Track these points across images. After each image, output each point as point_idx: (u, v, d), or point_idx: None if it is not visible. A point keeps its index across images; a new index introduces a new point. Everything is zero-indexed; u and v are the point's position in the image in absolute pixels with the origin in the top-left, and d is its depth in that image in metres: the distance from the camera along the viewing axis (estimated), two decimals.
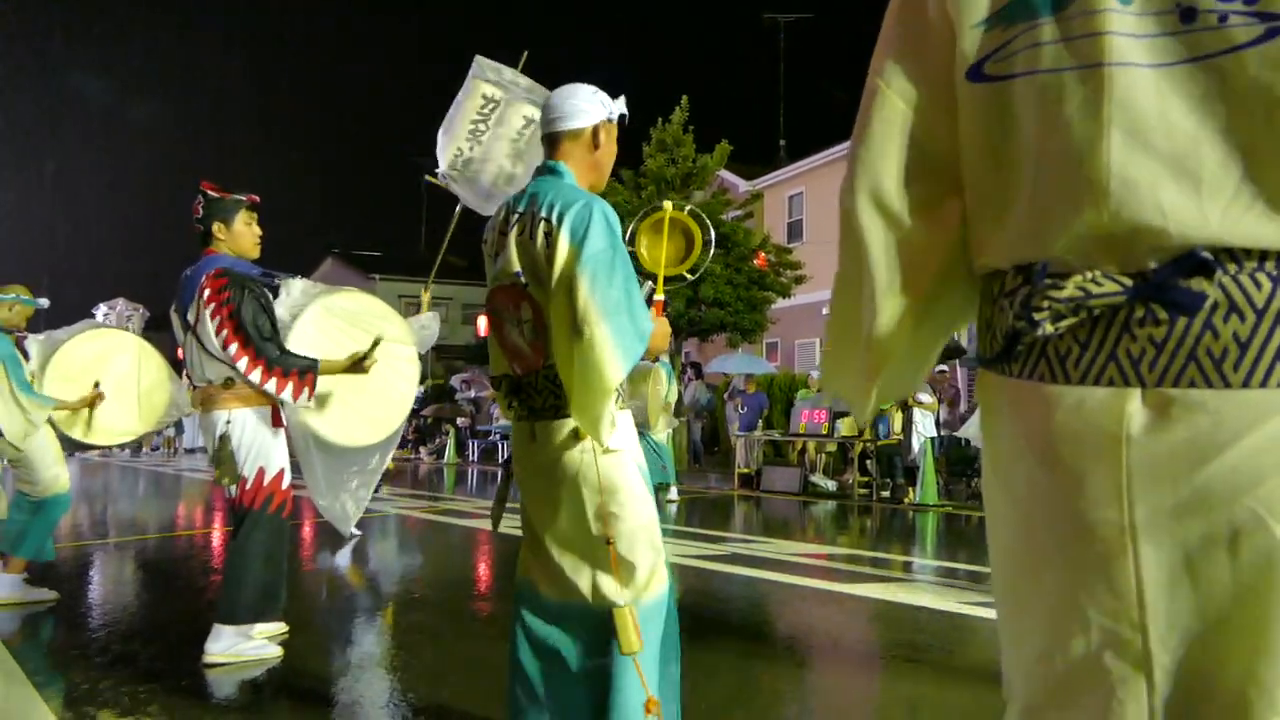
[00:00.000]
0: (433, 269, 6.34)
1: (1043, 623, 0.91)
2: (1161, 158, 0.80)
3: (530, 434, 2.40)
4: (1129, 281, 0.82)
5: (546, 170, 2.45)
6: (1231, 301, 0.79)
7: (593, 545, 2.34)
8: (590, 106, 2.45)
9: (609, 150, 2.52)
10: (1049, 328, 0.85)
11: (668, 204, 3.28)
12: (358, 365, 3.85)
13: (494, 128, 5.77)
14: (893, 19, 1.03)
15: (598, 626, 2.33)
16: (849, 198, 1.06)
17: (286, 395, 3.68)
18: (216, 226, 3.81)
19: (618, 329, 2.17)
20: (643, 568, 2.34)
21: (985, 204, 0.96)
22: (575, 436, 2.31)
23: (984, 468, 1.03)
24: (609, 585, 2.33)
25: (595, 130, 2.46)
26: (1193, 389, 0.80)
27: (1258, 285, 0.79)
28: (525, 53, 5.91)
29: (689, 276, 3.37)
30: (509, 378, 2.46)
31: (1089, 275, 0.83)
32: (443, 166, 5.79)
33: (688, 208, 3.33)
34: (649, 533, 2.37)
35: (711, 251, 3.30)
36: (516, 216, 2.37)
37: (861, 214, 1.04)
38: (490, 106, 5.79)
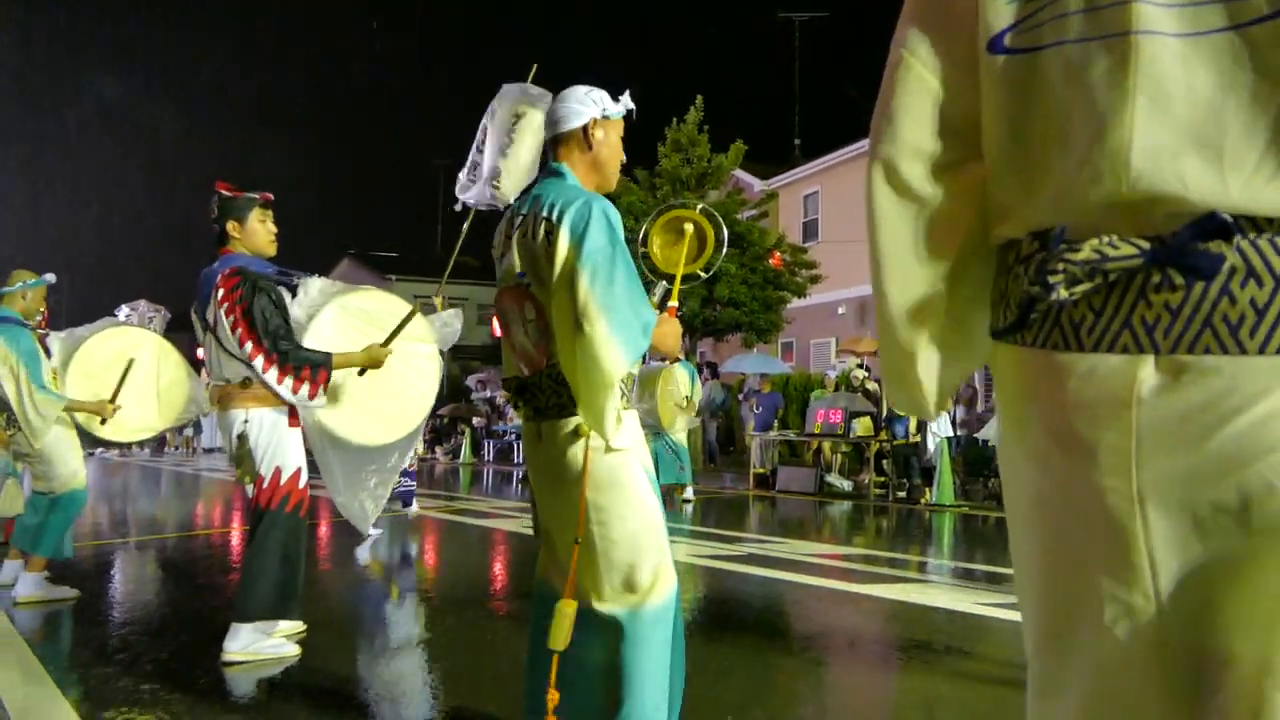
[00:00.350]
0: (445, 271, 6.44)
1: (1059, 593, 0.91)
2: (1184, 127, 0.79)
3: (537, 434, 2.41)
4: (1146, 245, 0.81)
5: (550, 173, 2.48)
6: (1250, 267, 0.78)
7: (592, 544, 2.33)
8: (581, 107, 2.46)
9: (608, 148, 2.51)
10: (1063, 292, 0.84)
11: (679, 208, 3.28)
12: (375, 359, 3.87)
13: (492, 133, 6.03)
14: None
15: (604, 626, 2.32)
16: (867, 169, 1.04)
17: (300, 396, 3.70)
18: (231, 225, 3.83)
19: (618, 323, 2.18)
20: (645, 571, 2.32)
21: (1005, 174, 0.94)
22: (577, 434, 2.31)
23: (999, 442, 1.02)
24: (599, 583, 2.32)
25: (585, 130, 2.46)
26: (1207, 355, 0.79)
27: (1278, 252, 0.78)
28: (535, 65, 6.08)
29: (703, 275, 3.36)
30: (518, 378, 2.46)
31: (1106, 239, 0.82)
32: (489, 196, 5.99)
33: (700, 206, 3.33)
34: (653, 535, 2.36)
35: (725, 249, 3.28)
36: (520, 218, 2.39)
37: (875, 186, 1.02)
38: (516, 120, 5.99)
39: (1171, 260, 0.79)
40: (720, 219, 3.33)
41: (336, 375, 3.84)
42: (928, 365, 1.05)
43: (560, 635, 2.23)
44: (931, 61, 0.99)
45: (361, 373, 3.93)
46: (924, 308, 1.02)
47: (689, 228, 3.23)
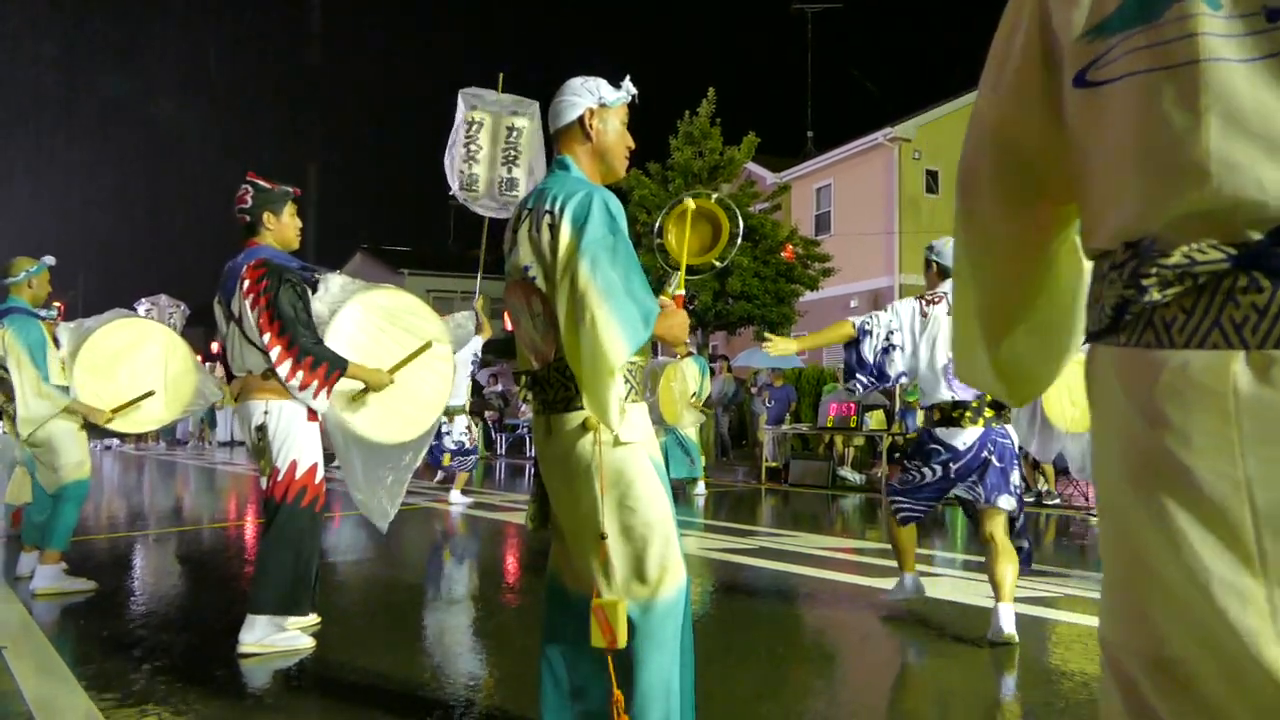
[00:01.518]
0: (477, 278, 6.91)
1: (1162, 581, 0.93)
2: (1258, 141, 0.86)
3: (547, 427, 2.41)
4: (1233, 250, 0.87)
5: (556, 166, 2.47)
6: None
7: (593, 536, 2.33)
8: (577, 98, 2.46)
9: (610, 135, 2.49)
10: (1155, 294, 0.90)
11: (689, 200, 3.26)
12: (380, 383, 3.92)
13: (486, 145, 6.69)
14: (994, 43, 1.16)
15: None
16: (956, 195, 1.22)
17: (306, 394, 3.72)
18: (267, 217, 3.87)
19: (618, 310, 2.16)
20: (654, 564, 2.31)
21: (1094, 194, 1.03)
22: (584, 428, 2.30)
23: (1093, 444, 1.07)
24: (603, 579, 2.31)
25: (583, 120, 2.45)
26: None
27: None
28: (501, 74, 6.71)
29: (717, 264, 3.33)
30: (529, 372, 2.46)
31: (1195, 245, 0.89)
32: (455, 189, 6.79)
33: (715, 196, 3.30)
34: (663, 528, 2.33)
35: (739, 241, 3.25)
36: (527, 213, 2.39)
37: (958, 216, 1.20)
38: (477, 128, 6.71)
39: (1257, 264, 0.86)
40: (736, 209, 3.31)
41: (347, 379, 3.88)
42: (1014, 371, 1.25)
43: (598, 633, 2.22)
44: (1004, 101, 1.14)
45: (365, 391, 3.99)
46: (997, 328, 1.22)
47: (694, 214, 3.20)
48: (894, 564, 4.61)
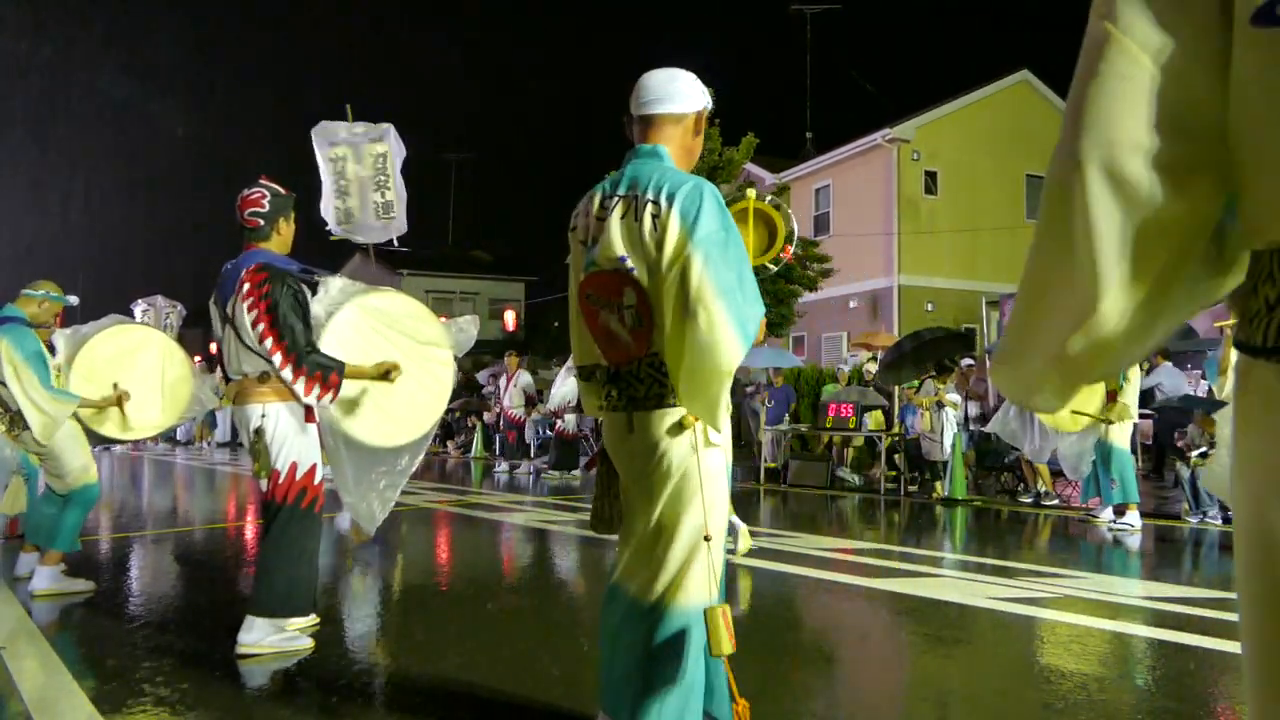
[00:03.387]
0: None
1: None
2: None
3: (628, 424, 2.33)
4: None
5: (645, 153, 2.38)
6: None
7: (683, 538, 2.28)
8: (693, 91, 2.41)
9: (701, 140, 2.50)
10: None
11: (751, 192, 3.18)
12: (385, 375, 3.92)
13: (354, 177, 6.85)
14: None
15: (674, 616, 2.28)
16: (1067, 167, 0.88)
17: (311, 398, 3.73)
18: (280, 222, 3.89)
19: (734, 309, 2.11)
20: (719, 563, 2.32)
21: (1273, 168, 0.79)
22: (681, 426, 2.26)
23: (1245, 469, 0.86)
24: (697, 581, 2.27)
25: (697, 116, 2.44)
26: None
27: None
28: (349, 105, 6.92)
29: (771, 268, 3.24)
30: (601, 367, 2.40)
31: None
32: (332, 226, 6.95)
33: (769, 198, 3.23)
34: (724, 534, 2.36)
35: (795, 243, 3.12)
36: (617, 199, 2.30)
37: (1091, 186, 0.86)
38: (341, 164, 6.86)
39: None
40: (786, 208, 3.21)
41: (354, 380, 3.88)
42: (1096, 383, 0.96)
43: (720, 638, 2.16)
44: (1152, 40, 0.83)
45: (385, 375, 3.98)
46: (1117, 331, 0.90)
47: (754, 215, 3.11)
48: (892, 564, 4.61)
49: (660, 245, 2.18)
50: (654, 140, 2.39)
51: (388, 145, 6.92)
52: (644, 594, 2.32)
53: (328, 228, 6.99)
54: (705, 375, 2.13)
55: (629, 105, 2.44)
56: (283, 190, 3.93)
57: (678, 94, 2.39)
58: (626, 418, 2.33)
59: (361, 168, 6.81)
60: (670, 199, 2.19)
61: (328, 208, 6.89)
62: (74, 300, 5.40)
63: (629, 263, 2.24)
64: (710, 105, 2.47)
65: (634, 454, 2.35)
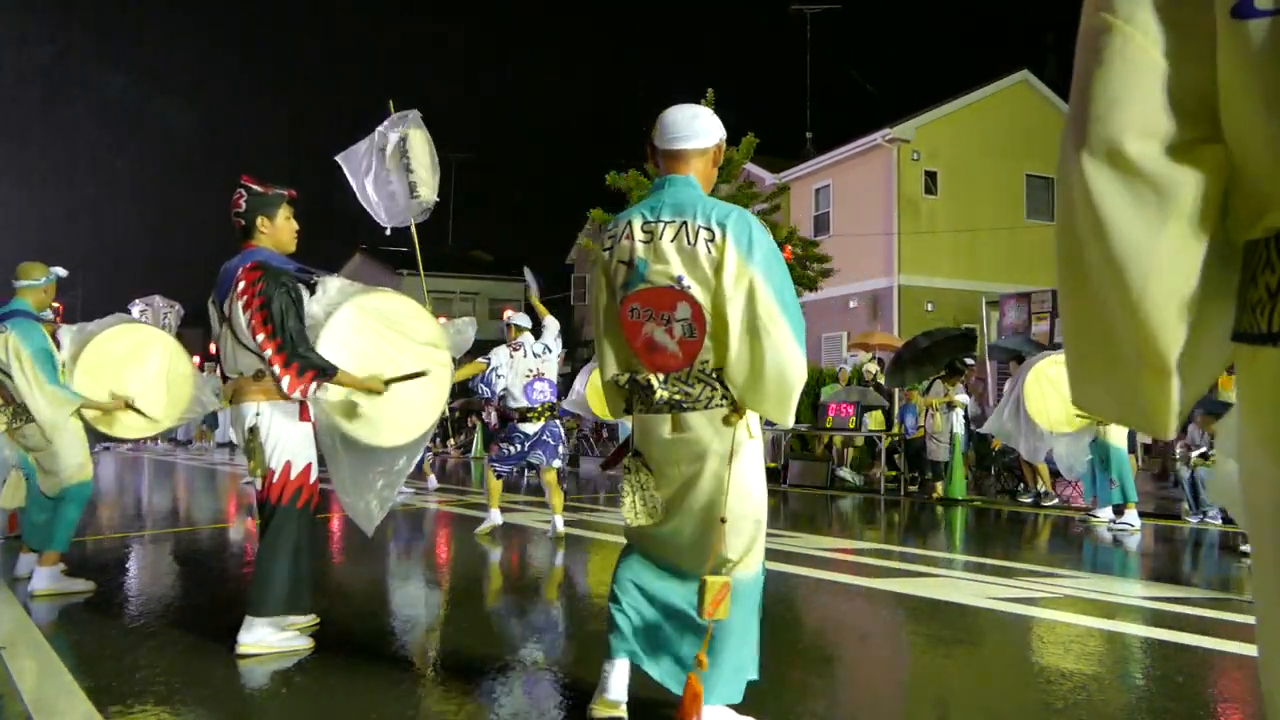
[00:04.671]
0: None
1: None
2: None
3: (674, 424, 2.65)
4: None
5: (680, 183, 2.71)
6: None
7: (742, 519, 2.63)
8: (712, 127, 2.76)
9: (718, 167, 2.85)
10: None
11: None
12: (372, 388, 3.92)
13: (395, 167, 7.49)
14: None
15: (741, 586, 2.65)
16: (1072, 162, 0.86)
17: (296, 395, 3.71)
18: (260, 220, 3.85)
19: (794, 323, 2.51)
20: (759, 541, 2.70)
21: (1265, 155, 0.80)
22: (728, 423, 2.59)
23: (1254, 458, 0.85)
24: (755, 555, 2.69)
25: (718, 148, 2.79)
26: None
27: None
28: (390, 100, 7.49)
29: None
30: (639, 374, 2.67)
31: None
32: (416, 213, 7.67)
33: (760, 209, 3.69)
34: (764, 513, 2.74)
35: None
36: (663, 224, 2.61)
37: (1096, 179, 0.85)
38: (404, 141, 7.48)
39: None
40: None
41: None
42: (1177, 383, 0.88)
43: (723, 606, 2.46)
44: (1151, 28, 0.83)
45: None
46: (1180, 316, 0.86)
47: None
48: (892, 564, 4.61)
49: (719, 267, 2.50)
50: (683, 171, 2.73)
51: (409, 131, 7.31)
52: (702, 570, 2.60)
53: (407, 221, 7.60)
54: (785, 385, 2.50)
55: (652, 137, 2.78)
56: (262, 189, 3.89)
57: (702, 131, 2.73)
58: (673, 418, 2.65)
59: (390, 155, 7.32)
60: (722, 226, 2.53)
61: (402, 198, 7.36)
62: (62, 272, 5.39)
63: (686, 281, 2.54)
64: (724, 136, 2.80)
65: (683, 452, 2.66)
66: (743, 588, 2.64)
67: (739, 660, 2.71)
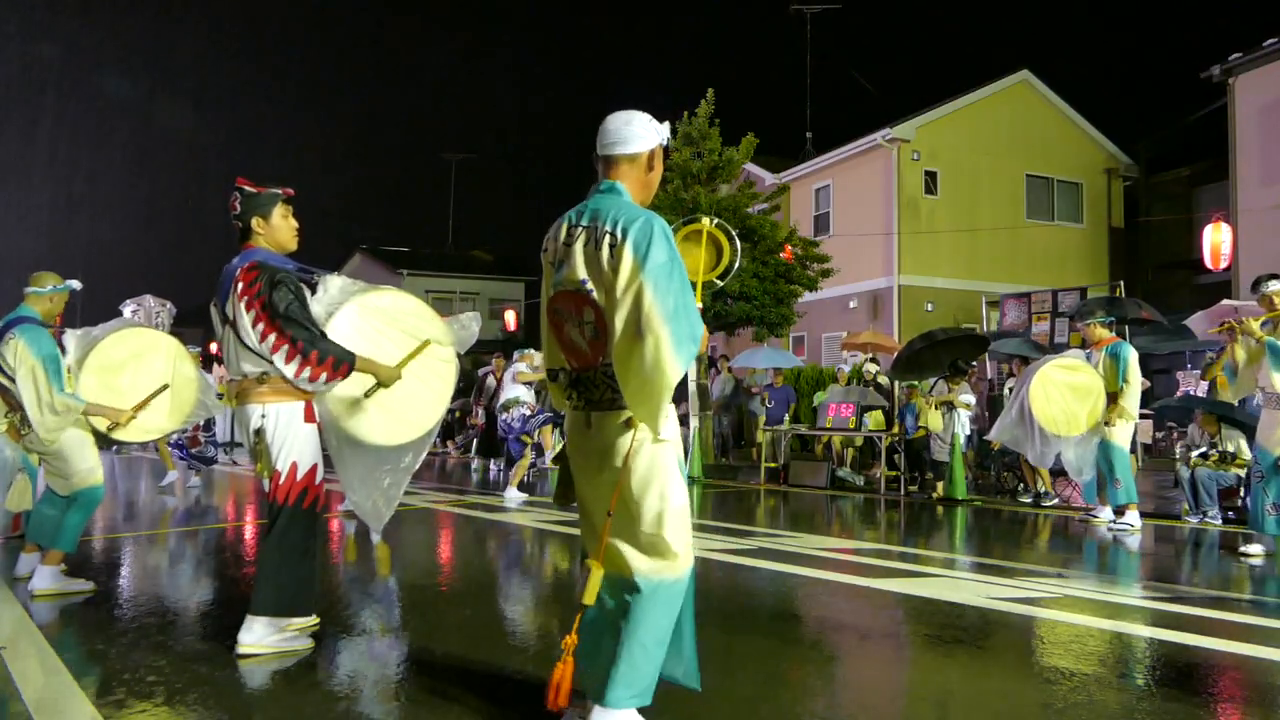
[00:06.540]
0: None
1: None
2: None
3: (586, 422, 2.71)
4: None
5: (605, 189, 2.73)
6: None
7: (631, 520, 2.62)
8: (645, 133, 2.74)
9: (659, 172, 2.83)
10: None
11: (705, 219, 3.76)
12: (390, 378, 3.94)
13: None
14: None
15: (627, 590, 2.63)
16: None
17: (318, 384, 3.71)
18: (256, 221, 3.85)
19: (677, 334, 2.44)
20: (676, 543, 2.63)
21: None
22: (628, 425, 2.59)
23: None
24: (630, 553, 2.62)
25: (651, 155, 2.77)
26: None
27: None
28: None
29: (719, 283, 3.87)
30: (565, 371, 2.77)
31: None
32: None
33: (715, 221, 3.79)
34: (684, 515, 2.66)
35: (739, 260, 3.74)
36: (581, 230, 2.65)
37: None
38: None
39: None
40: (733, 232, 3.79)
41: (356, 378, 3.87)
42: None
43: (589, 593, 2.56)
44: None
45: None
46: None
47: (704, 237, 3.70)
48: (892, 564, 4.61)
49: (616, 271, 2.51)
50: (613, 177, 2.74)
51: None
52: (619, 570, 2.64)
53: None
54: (653, 389, 2.46)
55: (595, 144, 2.79)
56: (255, 189, 3.89)
57: (633, 137, 2.73)
58: (585, 416, 2.70)
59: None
60: (625, 232, 2.53)
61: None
62: (76, 285, 5.42)
63: (589, 285, 2.59)
64: (666, 140, 2.79)
65: (591, 446, 2.70)
66: (654, 592, 2.60)
67: (648, 665, 2.62)
